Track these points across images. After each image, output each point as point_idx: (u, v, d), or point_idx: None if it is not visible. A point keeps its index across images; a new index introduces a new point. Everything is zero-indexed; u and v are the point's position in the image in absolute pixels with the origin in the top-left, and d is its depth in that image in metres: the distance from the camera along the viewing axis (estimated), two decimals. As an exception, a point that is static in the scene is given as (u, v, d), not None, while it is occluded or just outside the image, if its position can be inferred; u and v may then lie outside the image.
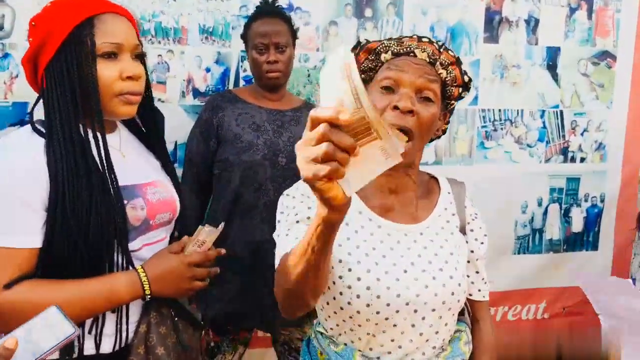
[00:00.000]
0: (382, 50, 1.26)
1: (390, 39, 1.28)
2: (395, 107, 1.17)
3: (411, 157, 1.22)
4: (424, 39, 1.26)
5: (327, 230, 0.86)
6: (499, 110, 2.75)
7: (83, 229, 1.17)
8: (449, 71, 1.25)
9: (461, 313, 1.34)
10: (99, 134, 1.24)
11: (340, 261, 1.20)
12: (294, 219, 1.21)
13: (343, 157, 0.73)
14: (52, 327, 0.97)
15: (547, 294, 2.91)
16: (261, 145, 2.06)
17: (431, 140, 1.37)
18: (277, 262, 1.17)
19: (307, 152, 0.74)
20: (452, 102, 1.30)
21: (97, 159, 1.23)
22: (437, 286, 1.20)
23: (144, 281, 1.25)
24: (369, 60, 1.28)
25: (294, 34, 2.18)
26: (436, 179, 1.39)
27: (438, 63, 1.24)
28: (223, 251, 1.40)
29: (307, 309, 1.11)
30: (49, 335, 0.96)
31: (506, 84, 2.73)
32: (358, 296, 1.17)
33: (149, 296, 1.27)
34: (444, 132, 1.36)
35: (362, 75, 1.29)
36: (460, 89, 1.29)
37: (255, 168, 2.05)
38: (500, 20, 2.68)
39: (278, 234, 1.24)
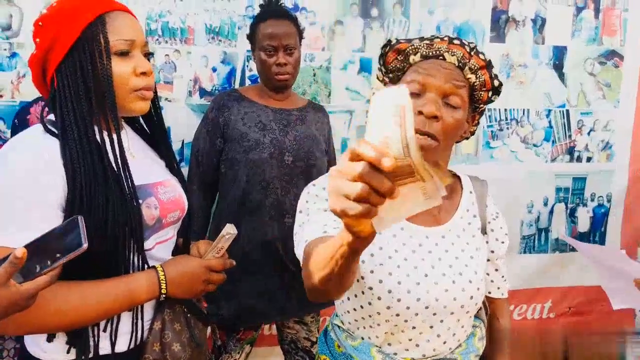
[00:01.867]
0: (411, 52, 1.24)
1: (422, 38, 1.25)
2: (420, 112, 1.15)
3: (435, 157, 1.21)
4: (455, 41, 1.23)
5: (351, 254, 0.82)
6: (505, 110, 2.74)
7: (100, 229, 1.17)
8: (478, 75, 1.23)
9: None
10: (114, 134, 1.24)
11: (363, 262, 1.21)
12: (323, 207, 1.20)
13: (378, 200, 0.67)
14: (66, 237, 0.98)
15: (553, 293, 2.91)
16: (267, 144, 2.07)
17: (458, 141, 1.36)
18: (300, 248, 1.16)
19: (340, 185, 0.68)
20: (481, 105, 1.29)
21: (112, 158, 1.23)
22: (457, 290, 1.22)
23: (162, 280, 1.26)
24: (398, 60, 1.26)
25: (300, 34, 2.18)
26: (459, 178, 1.38)
27: (467, 68, 1.22)
28: (234, 263, 1.42)
29: (334, 298, 1.13)
30: (61, 245, 0.97)
31: (512, 83, 2.72)
32: (379, 298, 1.19)
33: (164, 296, 1.27)
34: (472, 133, 1.34)
35: (390, 75, 1.28)
36: (490, 93, 1.27)
37: (262, 166, 2.06)
38: (507, 20, 2.68)
39: (302, 221, 1.21)
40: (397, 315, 1.19)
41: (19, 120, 2.21)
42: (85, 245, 0.96)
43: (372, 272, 1.20)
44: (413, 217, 1.27)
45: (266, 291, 2.10)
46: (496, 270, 1.39)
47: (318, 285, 0.97)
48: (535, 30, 2.71)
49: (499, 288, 1.41)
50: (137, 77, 1.24)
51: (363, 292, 1.21)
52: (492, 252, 1.36)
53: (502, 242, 1.38)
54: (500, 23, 2.67)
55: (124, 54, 1.23)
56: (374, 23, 2.54)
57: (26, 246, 0.94)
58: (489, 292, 1.40)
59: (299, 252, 1.16)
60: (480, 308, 1.37)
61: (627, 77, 2.82)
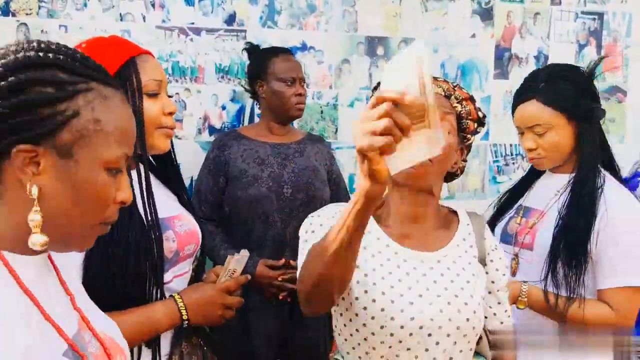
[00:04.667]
0: None
1: None
2: None
3: (429, 180, 1.27)
4: (439, 79, 1.34)
5: (366, 205, 0.92)
6: (510, 145, 2.77)
7: (122, 264, 1.19)
8: (463, 105, 1.32)
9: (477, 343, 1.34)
10: (142, 169, 1.27)
11: (357, 282, 1.22)
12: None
13: (398, 134, 0.83)
14: None
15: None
16: (265, 178, 2.13)
17: (451, 179, 1.40)
18: (301, 260, 1.19)
19: (367, 125, 0.84)
20: (468, 136, 1.35)
21: (137, 193, 1.25)
22: (452, 311, 1.22)
23: (181, 307, 1.27)
24: None
25: None
26: (455, 213, 1.41)
27: (453, 97, 1.32)
28: (249, 277, 1.43)
29: (329, 303, 1.16)
30: None
31: (517, 119, 2.75)
32: (373, 317, 1.20)
33: (187, 322, 1.28)
34: (461, 170, 1.39)
35: None
36: (476, 124, 1.36)
37: (261, 200, 2.11)
38: (510, 57, 2.73)
39: (306, 248, 1.23)
40: (391, 335, 1.19)
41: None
42: None
43: (365, 292, 1.21)
44: (408, 242, 1.28)
45: (265, 333, 2.12)
46: (499, 303, 1.38)
47: (322, 270, 1.03)
48: (538, 67, 2.74)
49: (502, 323, 1.39)
50: (165, 117, 1.30)
51: (357, 314, 1.21)
52: (493, 282, 1.36)
53: (503, 274, 1.38)
54: (503, 60, 2.72)
55: (154, 94, 1.28)
56: (380, 61, 2.59)
57: None
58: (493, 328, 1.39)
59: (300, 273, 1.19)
60: (482, 339, 1.36)
61: (630, 112, 2.85)
